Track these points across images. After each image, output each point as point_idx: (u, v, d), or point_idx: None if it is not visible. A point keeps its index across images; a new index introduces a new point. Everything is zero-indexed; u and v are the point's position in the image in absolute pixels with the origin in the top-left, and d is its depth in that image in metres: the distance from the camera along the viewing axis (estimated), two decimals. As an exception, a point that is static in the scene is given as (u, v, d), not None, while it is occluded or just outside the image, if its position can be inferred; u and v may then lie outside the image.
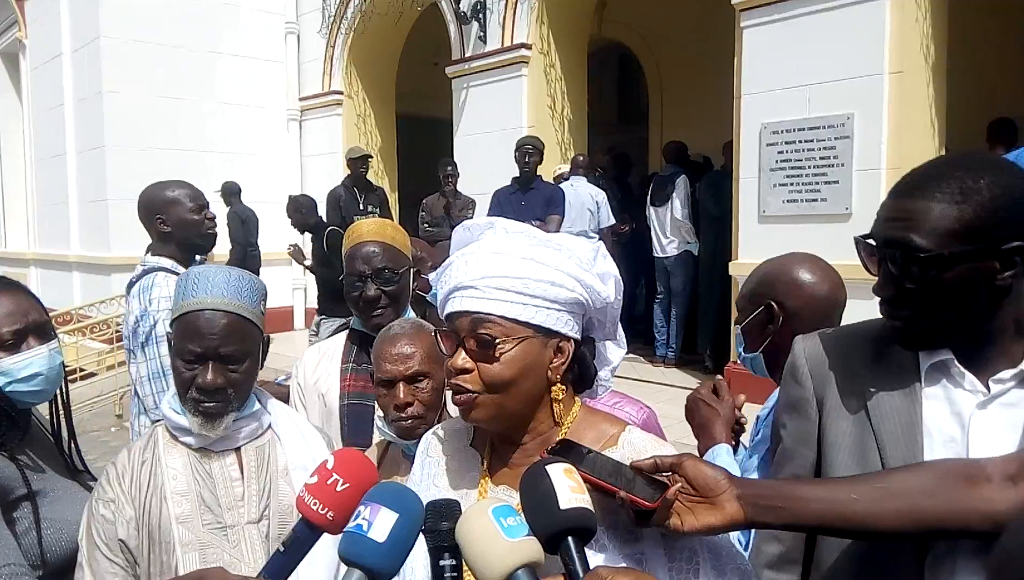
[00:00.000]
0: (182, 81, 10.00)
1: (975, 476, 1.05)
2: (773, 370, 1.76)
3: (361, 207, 7.43)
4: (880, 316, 1.22)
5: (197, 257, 2.87)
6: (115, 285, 9.55)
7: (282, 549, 1.03)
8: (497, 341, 1.08)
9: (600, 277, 1.15)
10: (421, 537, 0.98)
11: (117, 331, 8.79)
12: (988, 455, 1.09)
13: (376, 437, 1.96)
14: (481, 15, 8.19)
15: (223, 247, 8.16)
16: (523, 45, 7.90)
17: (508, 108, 8.10)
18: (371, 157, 8.10)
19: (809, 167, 5.51)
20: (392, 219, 7.64)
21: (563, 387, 1.14)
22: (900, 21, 5.10)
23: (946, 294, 1.10)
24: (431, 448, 1.29)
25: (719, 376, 1.88)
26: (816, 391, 1.28)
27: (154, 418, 2.51)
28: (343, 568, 0.94)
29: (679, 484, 1.04)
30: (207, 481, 1.52)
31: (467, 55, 8.48)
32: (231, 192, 9.04)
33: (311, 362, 2.29)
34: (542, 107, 8.02)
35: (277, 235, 10.78)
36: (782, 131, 5.65)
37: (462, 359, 1.10)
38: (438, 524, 0.97)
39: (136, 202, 2.88)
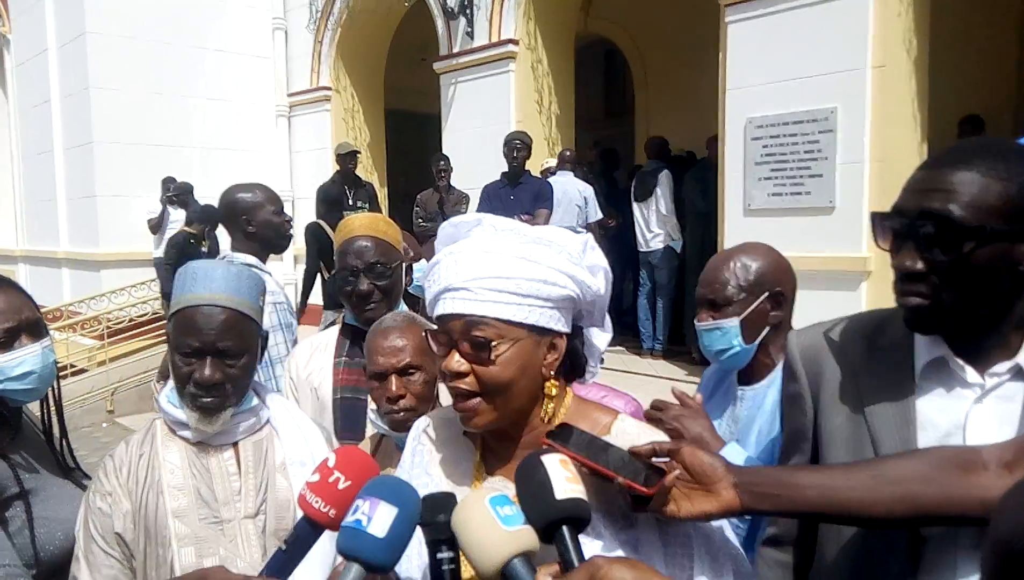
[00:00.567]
0: (170, 77, 9.94)
1: (971, 463, 1.04)
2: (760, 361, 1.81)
3: (351, 203, 7.42)
4: (869, 310, 1.20)
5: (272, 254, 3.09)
6: (105, 281, 9.51)
7: (283, 547, 1.03)
8: (492, 343, 1.06)
9: (590, 270, 1.14)
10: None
11: (108, 327, 8.76)
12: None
13: (369, 430, 1.96)
14: (468, 11, 8.17)
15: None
16: (510, 41, 7.89)
17: (496, 104, 8.09)
18: (359, 153, 8.09)
19: (793, 161, 5.54)
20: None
21: (556, 382, 1.14)
22: (883, 16, 5.13)
23: (973, 273, 1.06)
24: (423, 436, 1.28)
25: (674, 390, 1.81)
26: (811, 386, 1.28)
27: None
28: (339, 559, 0.95)
29: (677, 471, 1.04)
30: (204, 475, 1.51)
31: (455, 51, 8.46)
32: (187, 191, 8.94)
33: (303, 356, 2.29)
34: (529, 102, 8.02)
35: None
36: (766, 125, 5.67)
37: (456, 362, 1.08)
38: (435, 517, 0.98)
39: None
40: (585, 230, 6.79)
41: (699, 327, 1.80)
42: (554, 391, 1.14)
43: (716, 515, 1.05)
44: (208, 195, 9.29)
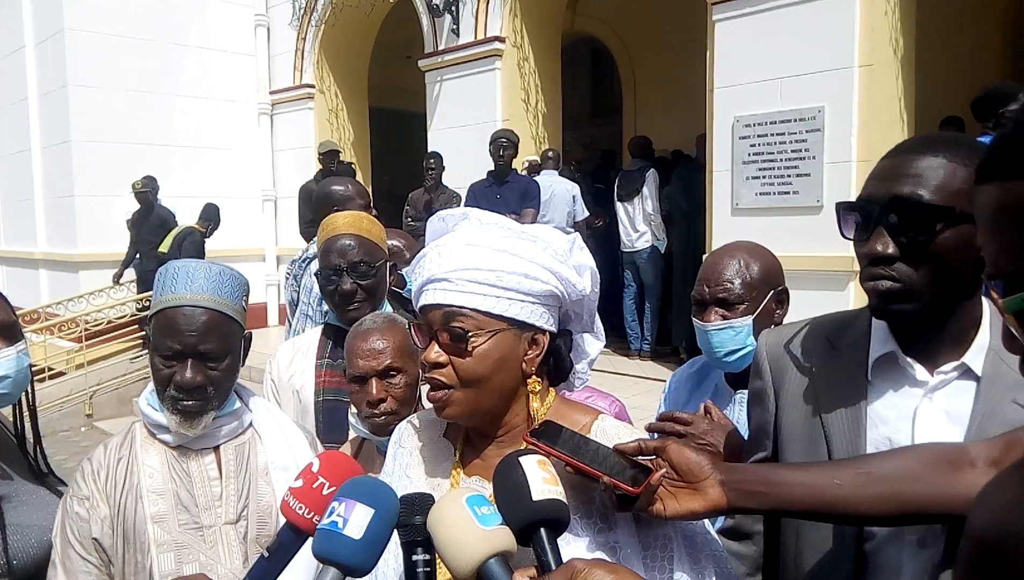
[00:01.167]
0: (150, 74, 9.85)
1: (958, 461, 1.04)
2: None
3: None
4: (836, 311, 1.22)
5: None
6: (83, 282, 9.41)
7: (266, 555, 1.01)
8: (469, 334, 1.06)
9: (576, 269, 1.14)
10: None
11: (86, 329, 8.65)
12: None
13: (351, 433, 1.94)
14: (454, 8, 8.15)
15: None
16: (496, 38, 7.88)
17: (482, 102, 8.08)
18: (340, 152, 8.04)
19: (781, 160, 5.57)
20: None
21: (539, 379, 1.13)
22: (870, 15, 5.17)
23: (942, 254, 1.09)
24: (404, 439, 1.27)
25: (706, 403, 1.68)
26: (774, 383, 1.30)
27: None
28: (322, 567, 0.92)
29: (664, 470, 1.03)
30: (184, 480, 1.49)
31: (440, 48, 8.43)
32: (153, 189, 8.78)
33: (285, 358, 2.26)
34: (516, 101, 8.01)
35: (247, 231, 10.68)
36: (754, 124, 5.71)
37: (435, 353, 1.08)
38: (411, 518, 0.96)
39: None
40: (573, 229, 6.78)
41: (707, 328, 1.74)
42: (537, 388, 1.13)
43: (703, 514, 1.05)
44: (192, 194, 9.22)
